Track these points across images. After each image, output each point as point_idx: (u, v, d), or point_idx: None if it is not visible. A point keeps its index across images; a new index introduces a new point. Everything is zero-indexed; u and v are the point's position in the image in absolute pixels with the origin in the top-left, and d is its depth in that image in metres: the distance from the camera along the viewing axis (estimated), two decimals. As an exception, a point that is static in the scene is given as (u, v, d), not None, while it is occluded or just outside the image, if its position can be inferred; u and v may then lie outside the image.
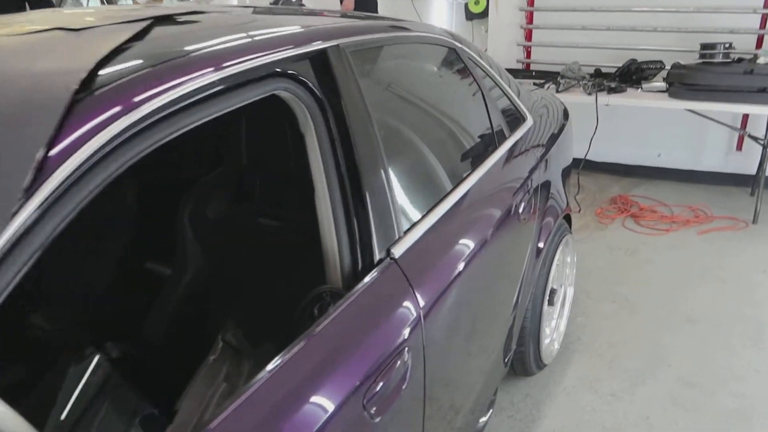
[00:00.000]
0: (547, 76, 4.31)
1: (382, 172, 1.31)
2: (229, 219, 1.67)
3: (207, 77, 0.98)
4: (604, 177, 4.70)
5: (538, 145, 2.25)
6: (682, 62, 3.87)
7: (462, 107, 1.93)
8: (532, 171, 2.06)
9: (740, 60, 3.70)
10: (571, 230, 2.65)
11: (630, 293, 3.05)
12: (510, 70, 4.51)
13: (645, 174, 4.65)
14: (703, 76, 3.62)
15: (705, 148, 4.47)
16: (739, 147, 4.39)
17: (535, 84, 4.11)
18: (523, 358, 2.27)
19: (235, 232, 1.66)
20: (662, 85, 3.92)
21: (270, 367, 0.98)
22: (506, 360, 2.04)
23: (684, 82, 3.69)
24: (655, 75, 4.09)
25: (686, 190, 4.36)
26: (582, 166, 4.34)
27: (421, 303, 1.27)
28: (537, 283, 2.16)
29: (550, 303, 2.42)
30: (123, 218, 1.78)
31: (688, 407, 2.27)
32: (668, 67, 3.94)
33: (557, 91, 4.04)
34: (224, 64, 1.03)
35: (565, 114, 2.81)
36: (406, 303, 1.25)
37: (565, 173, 2.60)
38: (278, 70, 1.15)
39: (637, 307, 2.93)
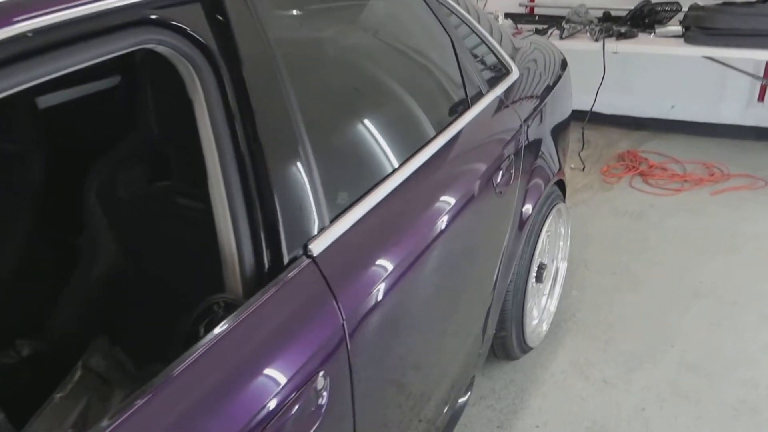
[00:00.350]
0: (551, 21, 3.93)
1: (299, 148, 1.04)
2: (143, 199, 1.41)
3: (23, 24, 0.71)
4: (612, 131, 4.35)
5: (526, 101, 1.95)
6: (701, 3, 3.48)
7: (422, 61, 1.63)
8: (515, 132, 1.76)
9: (766, 0, 3.30)
10: (565, 196, 2.37)
11: (633, 263, 2.78)
12: (512, 15, 4.18)
13: (657, 127, 4.30)
14: (724, 19, 3.24)
15: (723, 98, 4.09)
16: (761, 97, 4.02)
17: (537, 30, 3.74)
18: (504, 343, 2.03)
19: (151, 215, 1.40)
20: (678, 29, 3.53)
21: (122, 411, 0.74)
22: (482, 349, 1.80)
23: (702, 26, 3.31)
24: (670, 18, 3.69)
25: (701, 146, 4.01)
26: (588, 119, 4.01)
27: (346, 310, 1.02)
28: (520, 259, 1.90)
29: (539, 280, 2.16)
30: (27, 195, 1.53)
31: (690, 397, 2.03)
32: (685, 9, 3.55)
33: (561, 38, 3.68)
34: (58, 6, 0.75)
35: (563, 64, 2.48)
36: (324, 312, 1.00)
37: (560, 132, 2.29)
38: (150, 16, 0.86)
39: (639, 280, 2.66)
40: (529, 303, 2.13)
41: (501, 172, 1.62)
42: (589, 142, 4.12)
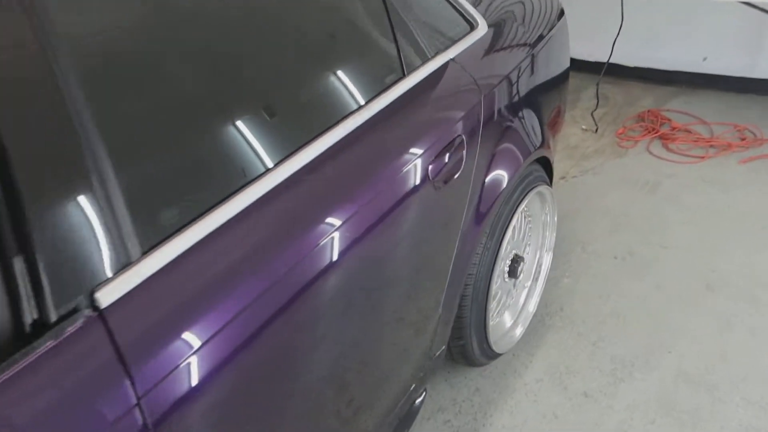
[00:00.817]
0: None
1: (88, 170, 0.74)
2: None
3: None
4: (635, 86, 3.89)
5: (495, 63, 1.59)
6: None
7: (323, 24, 1.26)
8: (471, 105, 1.42)
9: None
10: (552, 176, 2.02)
11: (638, 246, 2.42)
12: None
13: (686, 82, 3.82)
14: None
15: (763, 50, 3.58)
16: (809, 49, 3.51)
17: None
18: (464, 352, 1.74)
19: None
20: (712, -32, 3.04)
21: None
22: (423, 372, 1.51)
23: (739, -35, 2.82)
24: (704, -45, 3.19)
25: (735, 105, 3.54)
26: (607, 72, 3.57)
27: (143, 383, 0.73)
28: (481, 257, 1.58)
29: (512, 275, 1.84)
30: None
31: (684, 418, 1.72)
32: (722, -57, 3.05)
33: (575, -20, 3.21)
34: None
35: (560, 13, 2.08)
36: (107, 393, 0.71)
37: (549, 97, 1.93)
38: None
39: (643, 266, 2.31)
40: (496, 305, 1.82)
41: (443, 159, 1.29)
42: (606, 98, 3.70)
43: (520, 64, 1.68)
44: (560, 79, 2.04)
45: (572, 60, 3.84)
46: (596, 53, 3.78)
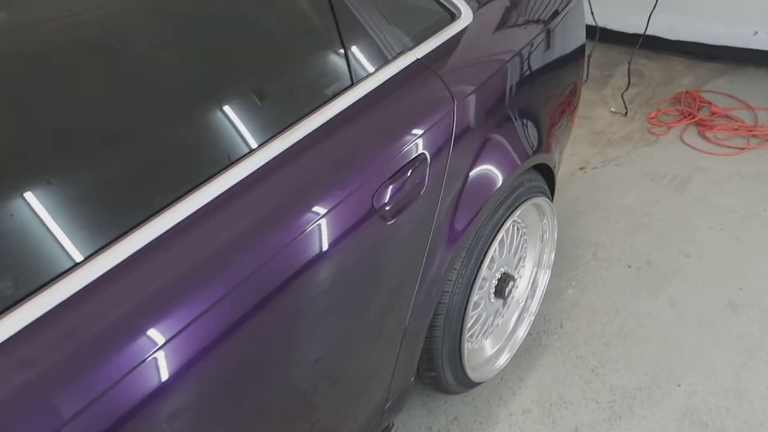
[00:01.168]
0: None
1: None
2: None
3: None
4: (675, 62, 3.54)
5: (480, 58, 1.36)
6: None
7: (245, 24, 1.06)
8: (439, 116, 1.20)
9: None
10: (554, 187, 1.79)
11: (657, 253, 2.18)
12: None
13: (733, 58, 3.45)
14: None
15: (824, 25, 3.19)
16: None
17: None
18: (437, 383, 1.56)
19: None
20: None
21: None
22: (388, 404, 1.35)
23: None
24: None
25: (787, 86, 3.18)
26: (642, 45, 3.24)
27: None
28: (454, 285, 1.39)
29: (499, 295, 1.64)
30: None
31: (686, 468, 1.52)
32: None
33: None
34: None
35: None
36: None
37: (551, 91, 1.68)
38: None
39: (660, 278, 2.07)
40: (480, 327, 1.63)
41: (397, 182, 1.10)
42: (641, 76, 3.38)
43: (514, 57, 1.44)
44: (570, 66, 1.78)
45: (607, 31, 3.49)
46: (630, 24, 3.44)
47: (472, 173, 1.32)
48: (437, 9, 1.34)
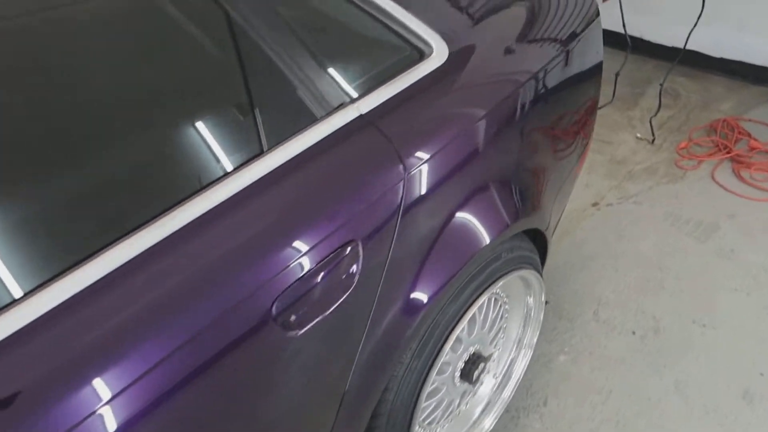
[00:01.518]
0: None
1: None
2: None
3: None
4: (716, 82, 3.19)
5: (450, 110, 1.09)
6: None
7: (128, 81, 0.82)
8: (387, 186, 0.95)
9: None
10: (545, 253, 1.52)
11: (667, 319, 1.90)
12: None
13: (783, 83, 3.09)
14: None
15: None
16: None
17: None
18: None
19: None
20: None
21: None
22: None
23: None
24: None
25: (841, 120, 2.82)
26: (682, 61, 2.90)
27: None
28: (400, 383, 1.14)
29: (467, 378, 1.39)
30: None
31: None
32: None
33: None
34: None
35: (593, 13, 1.52)
36: None
37: (551, 147, 1.41)
38: None
39: (667, 352, 1.80)
40: (442, 412, 1.39)
41: (310, 282, 0.85)
42: (676, 96, 3.04)
43: (498, 107, 1.17)
44: (575, 119, 1.49)
45: (642, 42, 3.16)
46: (674, 35, 3.09)
47: (427, 256, 1.06)
48: (400, 45, 1.08)
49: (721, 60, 3.19)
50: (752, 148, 2.62)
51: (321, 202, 0.88)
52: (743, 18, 3.02)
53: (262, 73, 0.88)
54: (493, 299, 1.40)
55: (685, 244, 2.18)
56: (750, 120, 2.83)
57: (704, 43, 3.10)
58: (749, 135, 2.71)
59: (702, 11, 2.57)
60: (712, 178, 2.50)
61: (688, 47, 2.73)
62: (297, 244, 0.84)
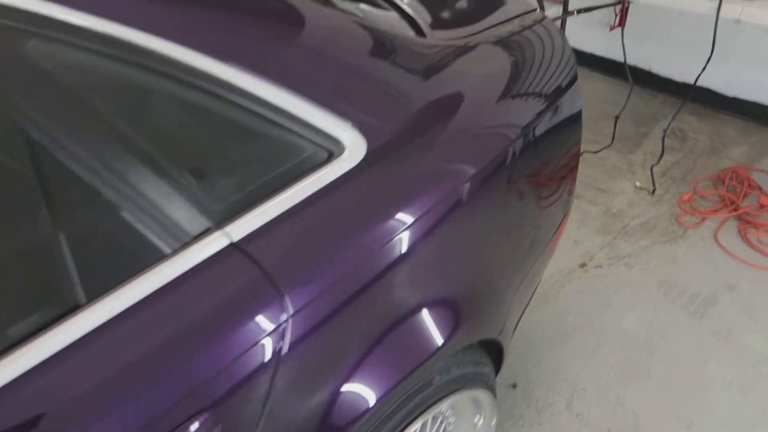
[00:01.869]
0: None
1: None
2: None
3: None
4: (728, 124, 2.94)
5: (358, 230, 0.88)
6: None
7: None
8: (261, 332, 0.75)
9: None
10: (499, 367, 1.31)
11: (648, 417, 1.67)
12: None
13: (802, 128, 2.84)
14: None
15: None
16: None
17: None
18: None
19: None
20: None
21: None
22: None
23: None
24: None
25: None
26: (692, 98, 2.65)
27: None
28: None
29: None
30: None
31: None
32: None
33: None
34: None
35: (571, 80, 1.31)
36: None
37: (501, 255, 1.19)
38: None
39: (644, 459, 1.58)
40: None
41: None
42: (684, 138, 2.81)
43: (426, 215, 0.95)
44: (536, 225, 1.27)
45: (650, 75, 2.97)
46: (684, 70, 2.85)
47: (320, 405, 0.86)
48: (302, 145, 0.87)
49: (734, 99, 2.94)
50: (762, 206, 2.37)
51: (165, 359, 0.68)
52: (758, 55, 2.76)
53: (75, 203, 0.68)
54: (431, 418, 1.20)
55: (678, 320, 1.95)
56: (762, 171, 2.58)
57: (716, 80, 2.86)
58: (760, 189, 2.46)
59: (712, 52, 2.33)
60: (715, 238, 2.26)
61: (698, 83, 2.48)
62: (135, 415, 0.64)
